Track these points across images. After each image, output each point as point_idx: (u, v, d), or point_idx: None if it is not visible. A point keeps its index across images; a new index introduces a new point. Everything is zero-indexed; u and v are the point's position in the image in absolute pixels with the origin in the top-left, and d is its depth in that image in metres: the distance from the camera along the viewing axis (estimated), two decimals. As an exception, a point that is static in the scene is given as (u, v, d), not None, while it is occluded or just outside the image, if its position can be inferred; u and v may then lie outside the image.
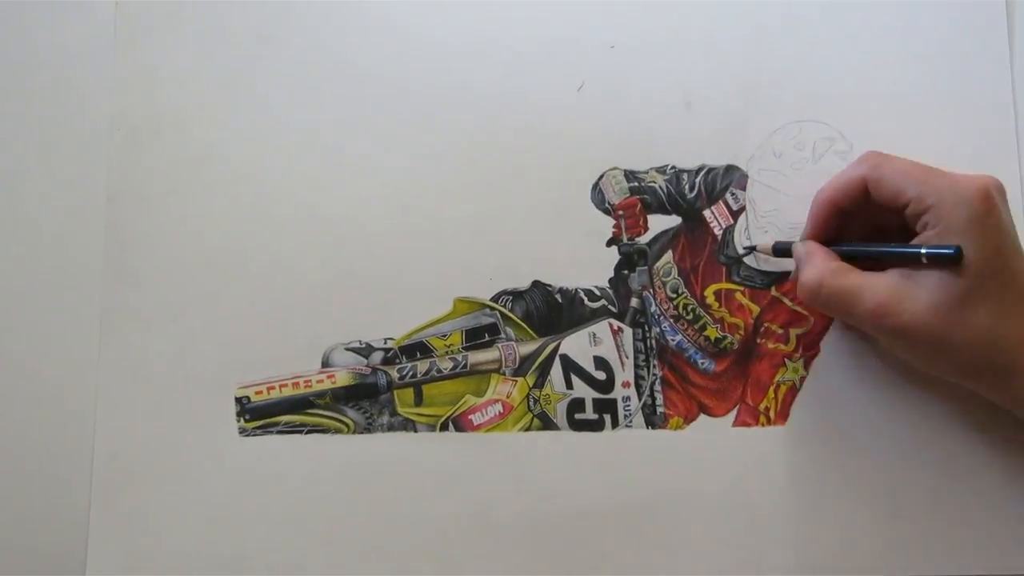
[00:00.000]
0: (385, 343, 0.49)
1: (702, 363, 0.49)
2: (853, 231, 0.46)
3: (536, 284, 0.49)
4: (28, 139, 0.50)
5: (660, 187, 0.49)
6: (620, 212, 0.49)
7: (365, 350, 0.49)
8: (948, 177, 0.41)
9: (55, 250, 0.49)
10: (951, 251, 0.40)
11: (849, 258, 0.44)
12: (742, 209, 0.49)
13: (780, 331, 0.48)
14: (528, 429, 0.48)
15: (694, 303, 0.49)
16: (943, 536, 0.47)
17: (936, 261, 0.40)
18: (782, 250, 0.47)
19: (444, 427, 0.48)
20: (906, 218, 0.42)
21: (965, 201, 0.40)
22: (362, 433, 0.48)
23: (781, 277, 0.49)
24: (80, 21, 0.51)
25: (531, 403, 0.48)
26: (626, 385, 0.48)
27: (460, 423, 0.48)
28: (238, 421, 0.48)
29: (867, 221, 0.45)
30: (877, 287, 0.41)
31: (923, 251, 0.40)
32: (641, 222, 0.49)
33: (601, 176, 0.49)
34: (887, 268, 0.42)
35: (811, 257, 0.44)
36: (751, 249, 0.48)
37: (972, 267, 0.40)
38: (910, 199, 0.41)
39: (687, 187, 0.49)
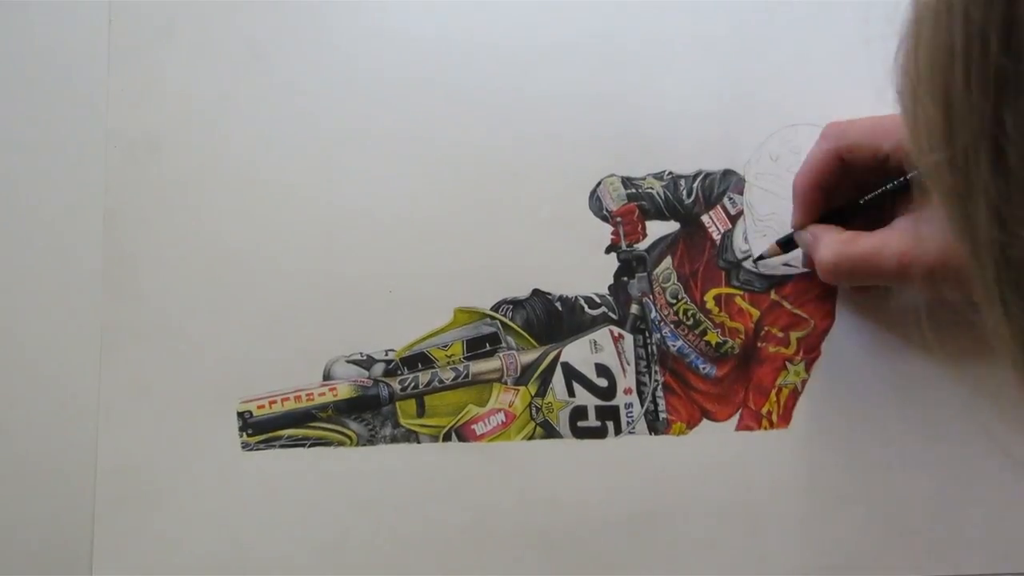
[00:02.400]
0: (386, 355, 0.49)
1: (703, 368, 0.49)
2: (836, 203, 0.46)
3: (536, 292, 0.49)
4: (24, 156, 0.50)
5: (658, 193, 0.50)
6: (618, 219, 0.49)
7: (366, 362, 0.49)
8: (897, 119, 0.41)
9: (54, 267, 0.49)
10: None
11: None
12: (740, 213, 0.49)
13: (781, 334, 0.48)
14: (531, 438, 0.48)
15: (694, 308, 0.49)
16: (946, 536, 0.47)
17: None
18: (787, 243, 0.47)
19: (447, 438, 0.48)
20: (889, 170, 0.42)
21: None
22: (365, 445, 0.48)
23: (780, 281, 0.49)
24: (74, 38, 0.51)
25: (533, 412, 0.48)
26: (628, 392, 0.48)
27: (463, 433, 0.48)
28: (240, 436, 0.48)
29: (846, 190, 0.45)
30: (892, 241, 0.41)
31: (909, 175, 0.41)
32: (639, 228, 0.49)
33: (598, 183, 0.50)
34: (889, 221, 0.42)
35: (818, 238, 0.44)
36: (761, 258, 0.48)
37: None
38: (887, 151, 0.42)
39: (685, 193, 0.50)
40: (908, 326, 0.47)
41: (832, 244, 0.43)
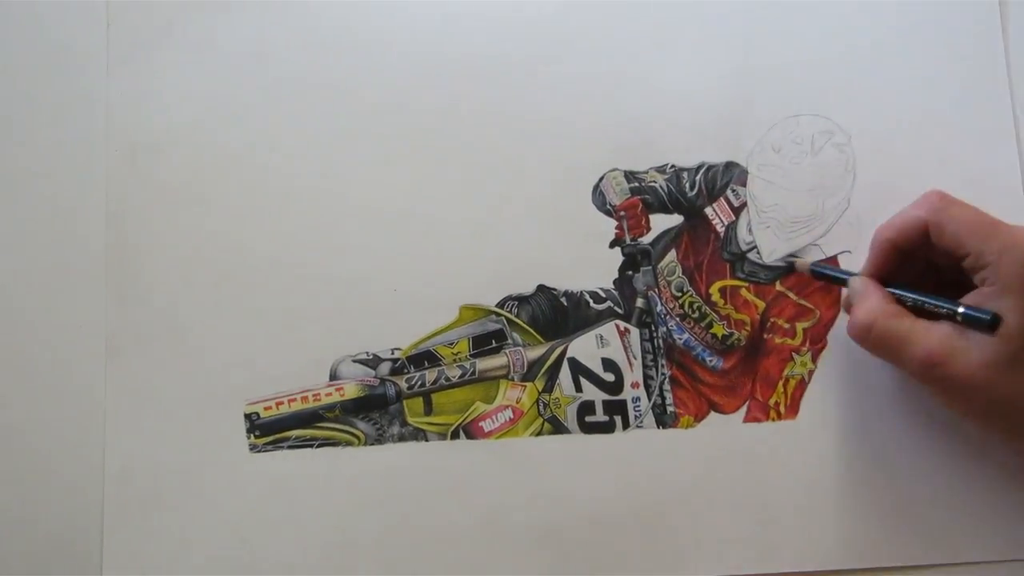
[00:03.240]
0: (392, 353, 0.49)
1: (710, 361, 0.49)
2: (914, 268, 0.45)
3: (541, 288, 0.49)
4: (25, 161, 0.50)
5: (660, 186, 0.49)
6: (622, 213, 0.49)
7: (372, 361, 0.48)
8: (1010, 234, 0.40)
9: (57, 272, 0.49)
10: (986, 317, 0.39)
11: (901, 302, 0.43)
12: (743, 205, 0.49)
13: (787, 325, 0.48)
14: (539, 434, 0.48)
15: (700, 301, 0.49)
16: (955, 524, 0.47)
17: (972, 324, 0.40)
18: (823, 277, 0.47)
19: (455, 435, 0.48)
20: (963, 269, 0.42)
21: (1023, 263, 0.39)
22: (373, 445, 0.48)
23: (785, 272, 0.49)
24: (72, 42, 0.50)
25: (541, 407, 0.48)
26: (635, 386, 0.48)
27: (471, 431, 0.48)
28: (248, 438, 0.48)
29: (928, 259, 0.44)
30: (929, 335, 0.41)
31: (960, 310, 0.40)
32: (643, 222, 0.49)
33: (601, 178, 0.49)
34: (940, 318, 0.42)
35: (866, 295, 0.43)
36: (790, 264, 0.48)
37: (1019, 331, 0.39)
38: (969, 252, 0.41)
39: (688, 185, 0.49)
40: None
41: (873, 307, 0.43)
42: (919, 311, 0.43)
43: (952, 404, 0.43)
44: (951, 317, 0.41)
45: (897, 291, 0.44)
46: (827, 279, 0.47)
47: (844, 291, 0.47)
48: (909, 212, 0.44)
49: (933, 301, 0.42)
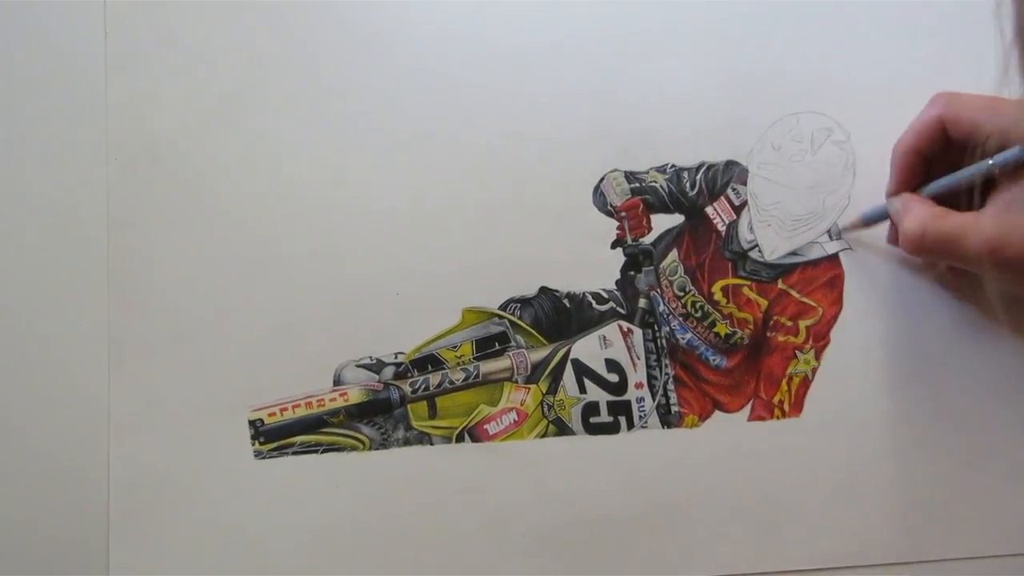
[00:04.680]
0: (396, 358, 0.49)
1: (713, 360, 0.49)
2: (935, 178, 0.45)
3: (543, 290, 0.49)
4: (25, 171, 0.50)
5: (661, 186, 0.50)
6: (623, 214, 0.49)
7: (376, 366, 0.48)
8: (1019, 103, 0.40)
9: (60, 282, 0.49)
10: (1019, 151, 0.39)
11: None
12: (744, 204, 0.49)
13: (789, 323, 0.49)
14: (544, 436, 0.48)
15: (702, 300, 0.49)
16: (961, 520, 0.47)
17: (1007, 168, 0.40)
18: (873, 217, 0.47)
19: (460, 438, 0.48)
20: (986, 151, 0.42)
21: None
22: (378, 449, 0.48)
23: (787, 270, 0.49)
24: (69, 51, 0.50)
25: (545, 409, 0.48)
26: (639, 386, 0.48)
27: (476, 433, 0.48)
28: (253, 444, 0.48)
29: (947, 165, 0.44)
30: (982, 224, 0.41)
31: (989, 162, 0.41)
32: (644, 222, 0.49)
33: (601, 179, 0.49)
34: (982, 207, 0.42)
35: (908, 207, 0.44)
36: (842, 232, 0.48)
37: None
38: (990, 132, 0.41)
39: (688, 185, 0.50)
40: (985, 311, 0.48)
41: (921, 216, 0.43)
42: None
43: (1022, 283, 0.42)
44: (987, 181, 0.41)
45: (930, 191, 0.44)
46: (871, 222, 0.47)
47: (885, 233, 0.48)
48: (922, 115, 0.44)
49: (965, 174, 0.42)
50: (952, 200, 0.44)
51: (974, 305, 0.48)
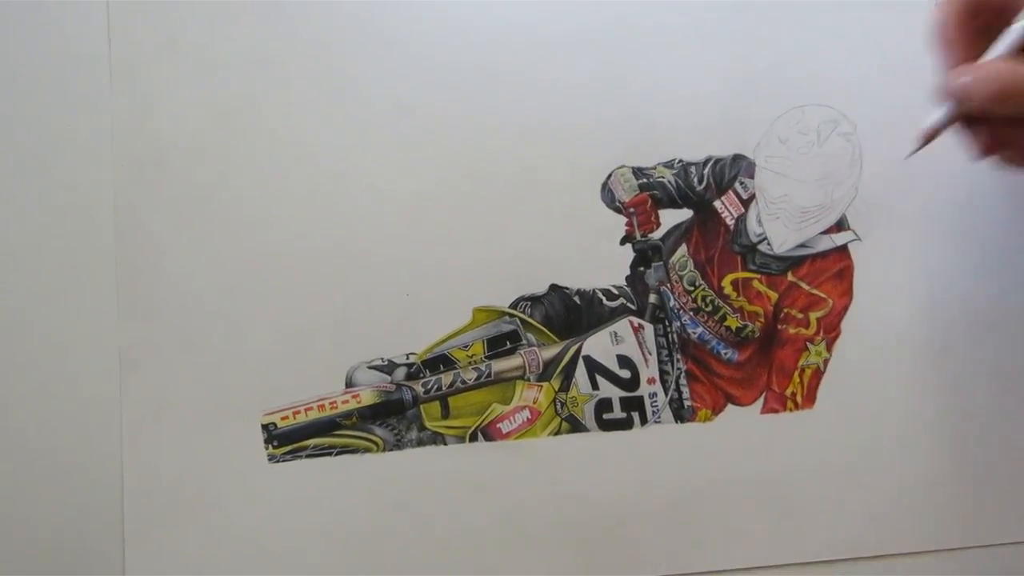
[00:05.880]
0: (407, 358, 0.48)
1: (725, 353, 0.49)
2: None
3: (553, 287, 0.49)
4: (31, 179, 0.49)
5: (669, 181, 0.50)
6: (631, 209, 0.49)
7: (388, 367, 0.48)
8: None
9: (67, 290, 0.49)
10: None
11: None
12: (752, 197, 0.49)
13: (800, 315, 0.49)
14: (557, 433, 0.48)
15: (712, 294, 0.49)
16: (977, 509, 0.47)
17: None
18: (936, 127, 0.42)
19: (473, 438, 0.48)
20: None
21: None
22: (392, 450, 0.48)
23: (797, 262, 0.49)
24: (73, 58, 0.50)
25: (558, 407, 0.48)
26: (651, 381, 0.48)
27: (489, 432, 0.48)
28: (266, 448, 0.48)
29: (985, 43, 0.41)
30: None
31: None
32: (653, 218, 0.49)
33: (609, 175, 0.50)
34: None
35: (977, 70, 0.39)
36: (912, 153, 0.43)
37: None
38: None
39: (696, 179, 0.50)
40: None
41: (997, 69, 0.39)
42: None
43: None
44: None
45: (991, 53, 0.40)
46: (939, 130, 0.42)
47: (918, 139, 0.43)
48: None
49: (1016, 33, 0.39)
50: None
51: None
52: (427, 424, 0.48)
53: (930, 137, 0.43)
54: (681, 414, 0.48)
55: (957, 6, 0.41)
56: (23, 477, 0.48)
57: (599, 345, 0.49)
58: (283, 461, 0.48)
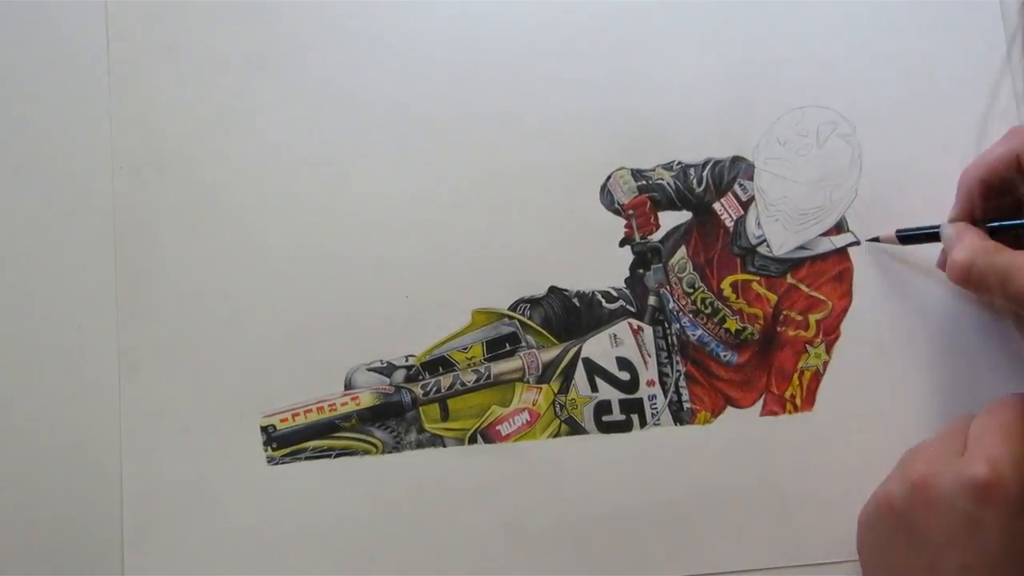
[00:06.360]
0: (406, 360, 0.49)
1: (724, 355, 0.49)
2: (1001, 212, 0.44)
3: (553, 290, 0.49)
4: (30, 183, 0.49)
5: (668, 183, 0.50)
6: (630, 211, 0.49)
7: (387, 369, 0.48)
8: None
9: (67, 293, 0.49)
10: None
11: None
12: (751, 199, 0.49)
13: (799, 318, 0.49)
14: (557, 435, 0.48)
15: (712, 296, 0.49)
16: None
17: None
18: (909, 237, 0.46)
19: (472, 440, 0.48)
20: None
21: None
22: (391, 453, 0.48)
23: (796, 264, 0.49)
24: (72, 63, 0.50)
25: (558, 409, 0.48)
26: (651, 384, 0.48)
27: (488, 435, 0.48)
28: (265, 450, 0.48)
29: (1015, 201, 0.44)
30: None
31: None
32: (652, 220, 0.49)
33: (608, 177, 0.50)
34: None
35: (961, 237, 0.43)
36: (875, 239, 0.48)
37: None
38: None
39: (695, 181, 0.50)
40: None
41: (972, 247, 0.42)
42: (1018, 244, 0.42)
43: None
44: None
45: (991, 226, 0.43)
46: (918, 240, 0.46)
47: (939, 250, 0.47)
48: (997, 148, 0.43)
49: None
50: (1013, 242, 0.43)
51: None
52: (426, 426, 0.48)
53: (906, 243, 0.47)
54: (680, 416, 0.48)
55: (994, 162, 0.43)
56: (23, 478, 0.48)
57: (598, 347, 0.49)
58: (282, 463, 0.48)
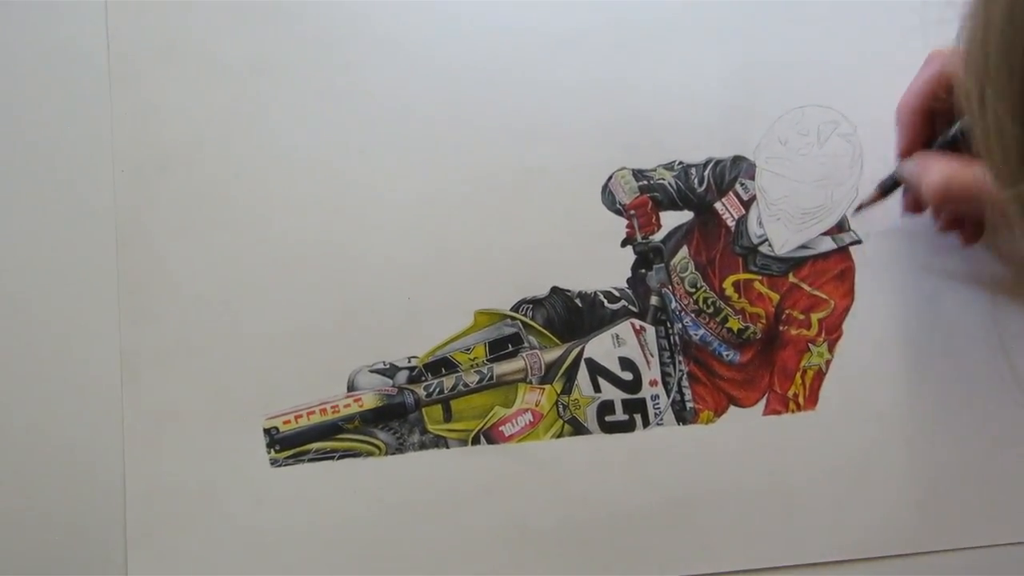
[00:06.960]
0: (409, 362, 0.48)
1: (727, 355, 0.49)
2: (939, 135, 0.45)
3: (555, 290, 0.49)
4: (32, 186, 0.49)
5: (669, 183, 0.50)
6: (632, 212, 0.49)
7: (390, 371, 0.48)
8: None
9: (69, 296, 0.49)
10: None
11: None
12: (753, 198, 0.49)
13: (801, 317, 0.49)
14: (560, 436, 0.48)
15: (714, 296, 0.49)
16: (979, 509, 0.47)
17: None
18: (889, 184, 0.47)
19: (476, 441, 0.48)
20: None
21: None
22: (394, 454, 0.48)
23: (798, 263, 0.49)
24: (72, 65, 0.50)
25: (560, 409, 0.48)
26: (653, 383, 0.48)
27: (491, 435, 0.48)
28: (269, 452, 0.48)
29: (949, 119, 0.44)
30: None
31: None
32: (654, 220, 0.49)
33: (610, 177, 0.50)
34: None
35: (927, 164, 0.43)
36: (860, 208, 0.48)
37: None
38: None
39: (696, 181, 0.50)
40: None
41: (943, 169, 0.42)
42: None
43: None
44: None
45: (940, 145, 0.44)
46: (886, 193, 0.47)
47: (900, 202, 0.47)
48: (921, 75, 0.44)
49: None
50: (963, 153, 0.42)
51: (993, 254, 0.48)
52: (429, 427, 0.48)
53: (885, 194, 0.47)
54: (683, 416, 0.48)
55: (923, 88, 0.44)
56: (27, 480, 0.48)
57: (601, 347, 0.49)
58: (285, 465, 0.48)
